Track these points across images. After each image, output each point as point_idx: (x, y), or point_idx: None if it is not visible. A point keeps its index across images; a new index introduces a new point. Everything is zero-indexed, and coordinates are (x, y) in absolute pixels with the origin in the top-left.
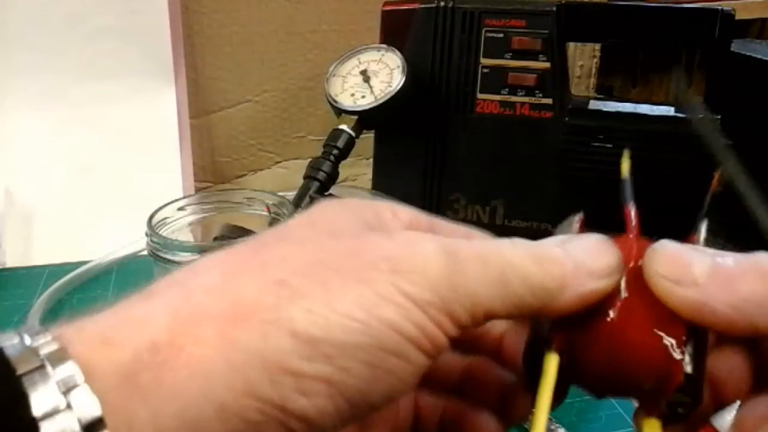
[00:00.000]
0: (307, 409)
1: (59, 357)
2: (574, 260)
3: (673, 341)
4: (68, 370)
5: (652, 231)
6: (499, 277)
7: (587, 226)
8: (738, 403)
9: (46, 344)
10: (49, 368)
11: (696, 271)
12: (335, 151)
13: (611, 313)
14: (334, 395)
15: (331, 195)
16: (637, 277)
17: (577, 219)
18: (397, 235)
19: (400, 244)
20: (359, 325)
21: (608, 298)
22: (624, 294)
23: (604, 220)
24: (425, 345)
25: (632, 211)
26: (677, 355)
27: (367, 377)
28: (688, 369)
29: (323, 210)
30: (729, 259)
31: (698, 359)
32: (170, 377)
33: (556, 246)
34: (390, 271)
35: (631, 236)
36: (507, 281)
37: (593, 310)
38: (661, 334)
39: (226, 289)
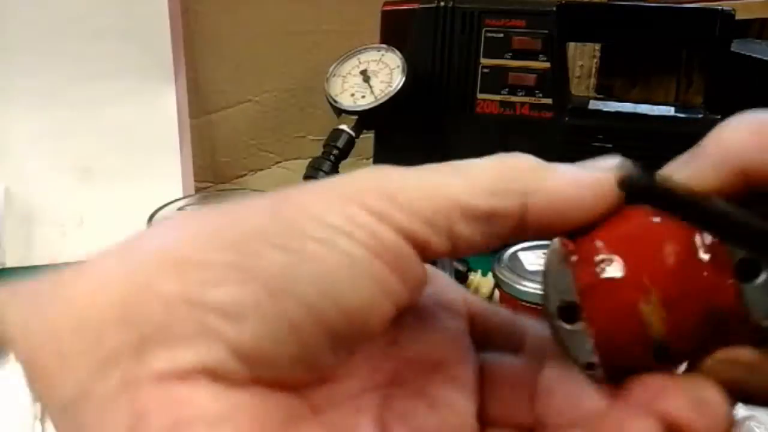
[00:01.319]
0: (219, 300)
1: None
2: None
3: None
4: None
5: None
6: (454, 168)
7: None
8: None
9: None
10: None
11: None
12: (335, 151)
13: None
14: (248, 281)
15: None
16: None
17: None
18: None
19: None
20: (270, 214)
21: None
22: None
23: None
24: (364, 239)
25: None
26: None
27: (283, 262)
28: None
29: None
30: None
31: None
32: (68, 289)
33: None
34: (323, 181)
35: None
36: (466, 169)
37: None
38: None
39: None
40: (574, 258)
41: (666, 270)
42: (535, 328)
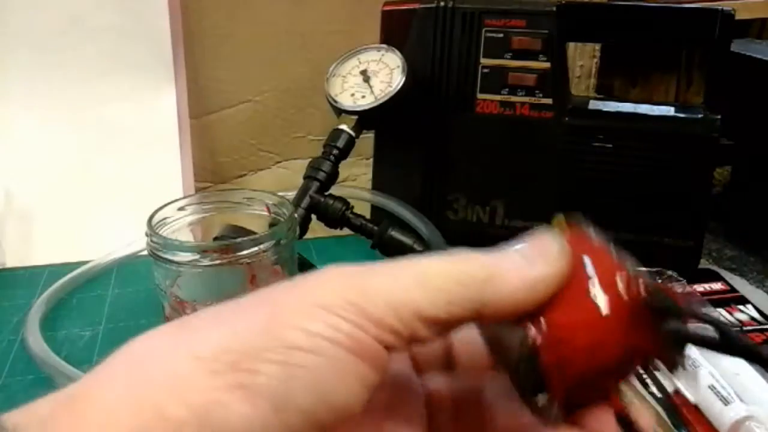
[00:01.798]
0: (230, 421)
1: None
2: (507, 251)
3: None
4: None
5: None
6: (415, 278)
7: None
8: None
9: None
10: None
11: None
12: (335, 151)
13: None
14: (253, 399)
15: (331, 195)
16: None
17: None
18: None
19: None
20: (259, 332)
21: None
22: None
23: (604, 220)
24: (346, 343)
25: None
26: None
27: (281, 374)
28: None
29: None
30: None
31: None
32: (78, 414)
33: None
34: (293, 287)
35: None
36: (425, 280)
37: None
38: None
39: (133, 349)
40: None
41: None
42: (460, 341)
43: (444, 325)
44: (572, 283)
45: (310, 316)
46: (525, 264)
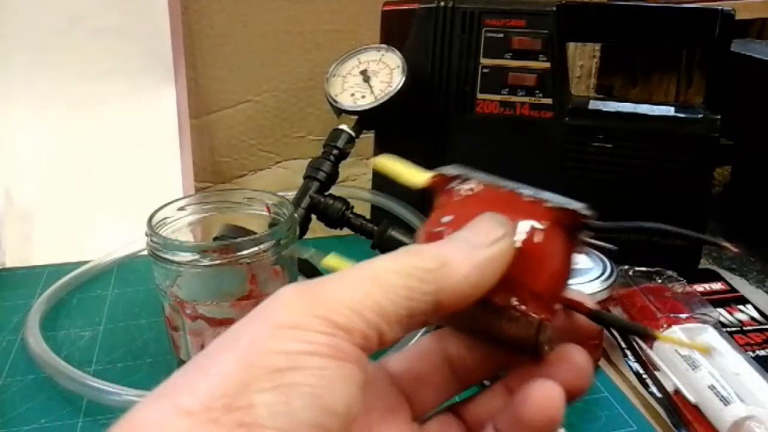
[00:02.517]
0: None
1: None
2: (451, 239)
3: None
4: None
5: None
6: (371, 281)
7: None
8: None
9: None
10: None
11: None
12: (335, 151)
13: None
14: (258, 431)
15: (331, 195)
16: None
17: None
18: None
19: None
20: (241, 365)
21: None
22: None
23: (604, 220)
24: (328, 352)
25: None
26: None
27: (276, 401)
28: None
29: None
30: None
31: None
32: None
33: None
34: (255, 318)
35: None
36: (381, 281)
37: None
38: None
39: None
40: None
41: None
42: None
43: (408, 321)
44: None
45: (284, 338)
46: (472, 248)
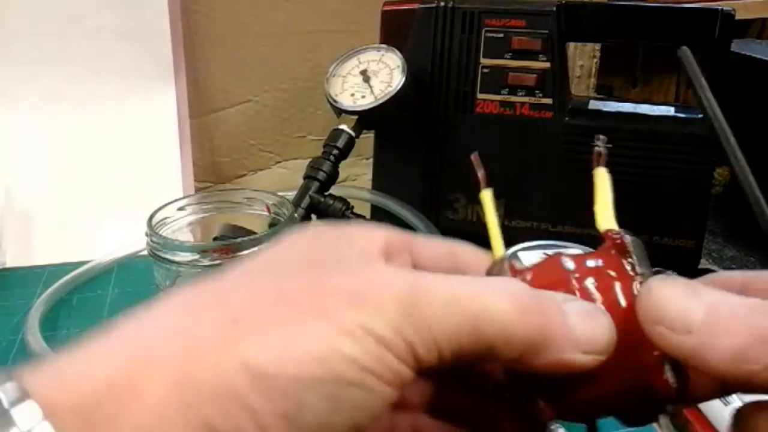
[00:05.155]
0: None
1: (20, 399)
2: (566, 321)
3: (659, 359)
4: (29, 410)
5: (653, 230)
6: (469, 321)
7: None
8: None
9: (8, 389)
10: (12, 411)
11: (692, 316)
12: (335, 151)
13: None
14: (293, 429)
15: (331, 195)
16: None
17: (506, 263)
18: (363, 269)
19: (365, 279)
20: (314, 359)
21: None
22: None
23: None
24: (386, 376)
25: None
26: (668, 375)
27: (326, 409)
28: (673, 381)
29: (291, 241)
30: (728, 301)
31: (681, 374)
32: (127, 416)
33: (556, 303)
34: (349, 305)
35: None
36: (478, 326)
37: None
38: (654, 353)
39: (182, 328)
40: None
41: None
42: None
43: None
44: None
45: (355, 340)
46: (571, 346)
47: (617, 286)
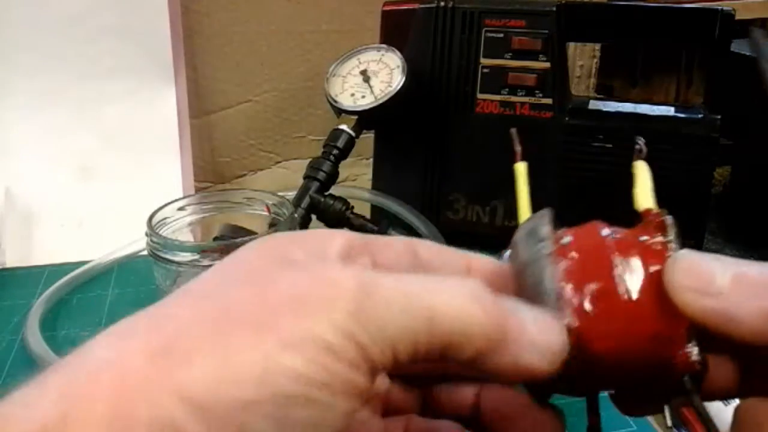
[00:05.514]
0: None
1: None
2: (520, 320)
3: (684, 332)
4: None
5: None
6: (425, 317)
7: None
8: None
9: None
10: None
11: (719, 280)
12: (335, 151)
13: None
14: None
15: (331, 195)
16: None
17: (546, 218)
18: (312, 270)
19: (311, 281)
20: (253, 379)
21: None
22: (630, 293)
23: (604, 220)
24: (339, 387)
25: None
26: (691, 351)
27: (275, 430)
28: (697, 358)
29: (240, 254)
30: (752, 267)
31: (703, 357)
32: None
33: (512, 307)
34: (292, 312)
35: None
36: (434, 322)
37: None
38: (675, 325)
39: (114, 360)
40: None
41: None
42: None
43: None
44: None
45: (299, 352)
46: (528, 346)
47: (650, 256)
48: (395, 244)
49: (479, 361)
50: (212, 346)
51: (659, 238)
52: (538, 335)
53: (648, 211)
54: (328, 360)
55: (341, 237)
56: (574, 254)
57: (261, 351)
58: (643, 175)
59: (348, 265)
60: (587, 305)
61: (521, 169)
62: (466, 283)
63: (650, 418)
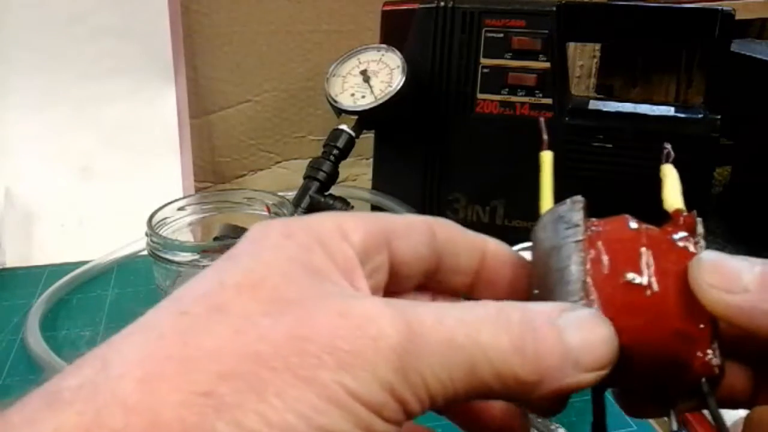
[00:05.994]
0: None
1: None
2: (564, 347)
3: (707, 333)
4: None
5: None
6: (466, 365)
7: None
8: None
9: None
10: None
11: (745, 278)
12: (335, 151)
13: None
14: None
15: (331, 195)
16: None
17: (580, 205)
18: (348, 307)
19: (348, 325)
20: None
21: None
22: (656, 288)
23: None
24: None
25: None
26: (712, 349)
27: None
28: (717, 361)
29: (255, 252)
30: None
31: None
32: None
33: (551, 323)
34: (335, 366)
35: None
36: (475, 371)
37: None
38: (698, 325)
39: (144, 404)
40: None
41: None
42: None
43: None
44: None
45: (341, 409)
46: (571, 369)
47: (678, 253)
48: (414, 224)
49: (521, 398)
50: (252, 398)
51: (688, 237)
52: (581, 349)
53: (678, 211)
54: (370, 419)
55: (357, 231)
56: (602, 244)
57: (303, 404)
58: (672, 177)
59: (385, 301)
60: (614, 296)
61: (547, 157)
62: (501, 315)
63: (651, 420)
